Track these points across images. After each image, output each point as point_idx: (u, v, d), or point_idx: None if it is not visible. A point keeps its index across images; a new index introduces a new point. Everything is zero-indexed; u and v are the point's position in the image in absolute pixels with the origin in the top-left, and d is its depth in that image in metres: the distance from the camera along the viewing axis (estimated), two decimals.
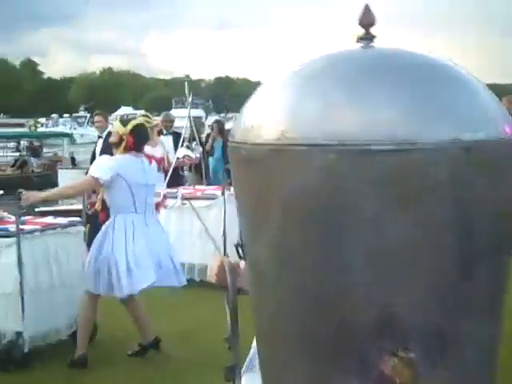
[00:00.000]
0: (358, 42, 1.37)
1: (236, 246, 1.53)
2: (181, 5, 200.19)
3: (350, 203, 1.24)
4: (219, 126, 13.06)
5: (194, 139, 10.44)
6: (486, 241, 1.31)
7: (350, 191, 1.24)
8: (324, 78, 1.30)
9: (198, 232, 7.92)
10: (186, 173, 10.88)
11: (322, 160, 1.23)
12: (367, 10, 1.35)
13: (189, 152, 9.74)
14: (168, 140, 10.20)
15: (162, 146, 9.19)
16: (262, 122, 1.32)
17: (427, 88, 1.27)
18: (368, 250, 1.25)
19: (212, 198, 8.20)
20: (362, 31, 1.37)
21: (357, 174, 1.22)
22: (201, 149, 10.71)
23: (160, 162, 8.88)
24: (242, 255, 1.53)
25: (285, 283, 1.37)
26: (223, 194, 8.07)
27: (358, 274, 1.27)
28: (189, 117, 10.18)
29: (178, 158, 9.28)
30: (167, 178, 8.75)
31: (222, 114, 45.62)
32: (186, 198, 8.10)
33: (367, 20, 1.36)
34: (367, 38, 1.36)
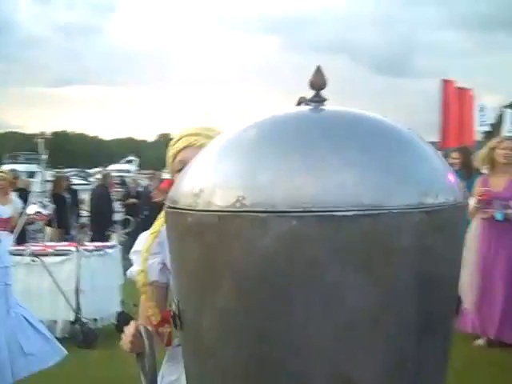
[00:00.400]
0: (304, 103, 1.34)
1: (173, 316, 1.44)
2: (15, 62, 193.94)
3: (310, 272, 1.17)
4: (68, 182, 12.74)
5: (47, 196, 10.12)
6: (442, 306, 1.29)
7: (310, 259, 1.17)
8: (281, 140, 1.23)
9: (48, 288, 7.67)
10: (48, 229, 10.51)
11: (282, 227, 1.16)
12: (319, 72, 1.32)
13: (40, 208, 9.39)
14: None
15: (13, 205, 8.81)
16: (213, 186, 1.23)
17: (388, 152, 1.23)
18: (329, 321, 1.20)
19: (65, 253, 7.94)
20: (311, 93, 1.33)
21: (319, 241, 1.16)
22: (52, 205, 10.36)
23: (6, 223, 8.51)
24: (178, 325, 1.44)
25: (232, 356, 1.29)
26: (77, 249, 7.86)
27: (315, 347, 1.21)
28: (42, 173, 9.89)
29: (28, 215, 8.94)
30: (15, 235, 8.44)
31: (58, 169, 44.35)
32: (36, 255, 7.84)
33: (318, 83, 1.32)
34: (318, 100, 1.32)
